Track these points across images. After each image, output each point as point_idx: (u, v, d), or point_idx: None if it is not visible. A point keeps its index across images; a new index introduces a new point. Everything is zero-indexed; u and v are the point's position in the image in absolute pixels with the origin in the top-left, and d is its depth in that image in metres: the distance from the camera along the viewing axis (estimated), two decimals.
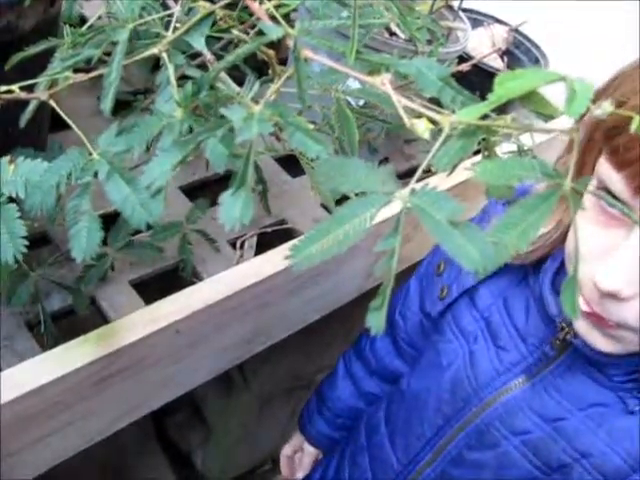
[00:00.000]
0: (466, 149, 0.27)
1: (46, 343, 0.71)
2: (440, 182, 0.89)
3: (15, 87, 0.45)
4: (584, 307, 0.58)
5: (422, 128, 0.28)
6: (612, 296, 0.54)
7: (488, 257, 0.25)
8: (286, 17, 0.44)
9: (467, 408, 0.72)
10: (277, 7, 0.37)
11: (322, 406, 0.99)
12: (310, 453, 1.03)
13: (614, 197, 0.53)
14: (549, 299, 0.67)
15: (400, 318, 0.90)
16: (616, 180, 0.53)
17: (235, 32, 0.47)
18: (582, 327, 0.61)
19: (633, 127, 0.25)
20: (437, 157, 0.27)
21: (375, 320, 0.29)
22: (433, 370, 0.77)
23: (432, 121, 0.29)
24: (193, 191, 0.94)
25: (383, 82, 0.29)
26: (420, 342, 0.87)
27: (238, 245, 0.92)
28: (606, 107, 0.26)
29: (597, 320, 0.57)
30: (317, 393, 1.02)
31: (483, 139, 0.34)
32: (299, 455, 1.05)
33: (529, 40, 1.35)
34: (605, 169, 0.54)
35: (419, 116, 0.29)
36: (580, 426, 0.64)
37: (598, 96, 0.56)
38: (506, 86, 0.26)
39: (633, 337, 0.57)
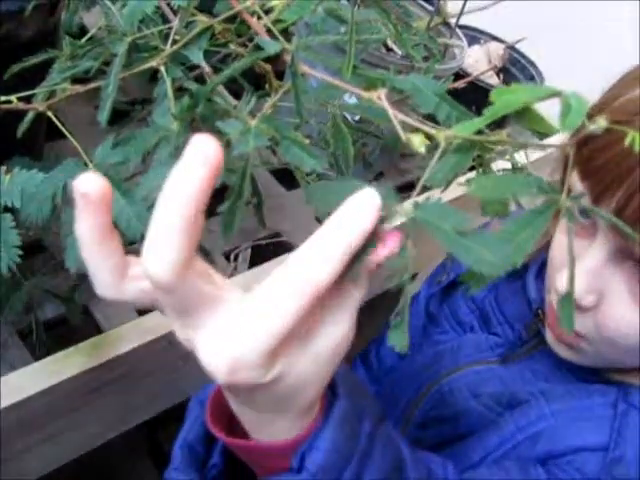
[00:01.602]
0: (461, 164, 0.28)
1: (38, 352, 0.71)
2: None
3: (13, 97, 0.45)
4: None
5: (418, 142, 0.28)
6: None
7: (504, 258, 0.25)
8: (285, 32, 0.44)
9: (439, 373, 0.73)
10: (275, 22, 0.37)
11: None
12: None
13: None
14: (531, 284, 0.71)
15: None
16: (580, 189, 0.54)
17: (232, 46, 0.47)
18: (549, 337, 0.63)
19: (627, 141, 0.26)
20: (432, 173, 0.27)
21: (397, 338, 0.29)
22: (423, 351, 0.79)
23: (428, 136, 0.29)
24: None
25: (379, 97, 0.29)
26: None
27: (232, 257, 0.92)
28: (600, 122, 0.26)
29: (559, 330, 0.60)
30: None
31: (478, 156, 0.35)
32: None
33: (525, 58, 1.36)
34: (572, 178, 0.55)
35: (415, 131, 0.29)
36: (544, 390, 0.67)
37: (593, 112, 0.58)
38: (502, 101, 0.26)
39: (593, 351, 0.58)
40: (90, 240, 0.34)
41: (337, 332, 0.36)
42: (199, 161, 0.30)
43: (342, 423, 0.41)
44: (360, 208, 0.30)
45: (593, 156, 0.52)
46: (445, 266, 0.87)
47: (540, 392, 0.66)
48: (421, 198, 0.29)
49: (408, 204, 0.28)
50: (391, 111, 0.29)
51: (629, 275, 0.55)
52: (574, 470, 0.59)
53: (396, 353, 0.93)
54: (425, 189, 0.29)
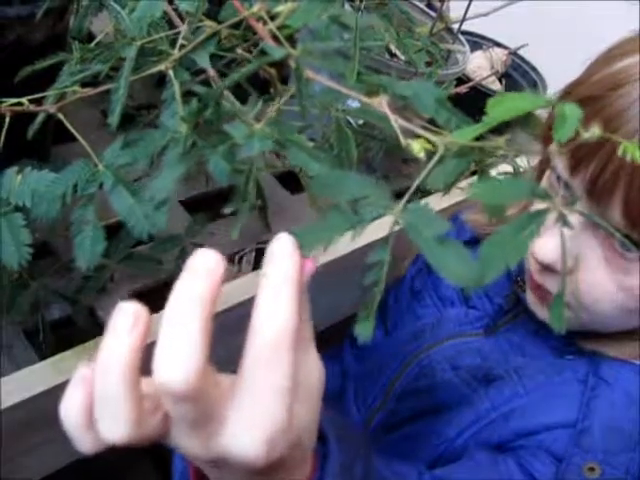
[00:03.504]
0: (460, 169, 0.28)
1: (44, 352, 0.71)
2: (437, 202, 0.90)
3: (25, 100, 0.46)
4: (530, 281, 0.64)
5: (417, 148, 0.29)
6: (550, 269, 0.58)
7: (471, 273, 0.26)
8: (290, 38, 0.45)
9: (420, 347, 0.75)
10: (280, 28, 0.38)
11: None
12: None
13: (558, 177, 0.58)
14: None
15: (393, 302, 0.92)
16: (558, 162, 0.57)
17: (239, 51, 0.48)
18: (530, 298, 0.66)
19: (620, 151, 0.26)
20: (433, 176, 0.28)
21: (363, 329, 0.30)
22: (405, 331, 0.81)
23: (429, 141, 0.30)
24: (193, 205, 0.95)
25: (381, 103, 0.30)
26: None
27: (236, 260, 0.92)
28: (594, 131, 0.27)
29: (539, 292, 0.61)
30: None
31: (480, 161, 0.35)
32: None
33: (527, 63, 1.37)
34: (550, 154, 0.58)
35: (417, 136, 0.30)
36: (518, 367, 0.69)
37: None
38: (499, 109, 0.27)
39: (572, 316, 0.60)
40: (131, 365, 0.32)
41: (313, 366, 0.38)
42: (207, 267, 0.32)
43: (338, 474, 0.42)
44: (285, 254, 0.33)
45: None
46: None
47: (514, 370, 0.67)
48: (411, 203, 0.30)
49: (400, 206, 0.29)
50: (392, 117, 0.29)
51: (603, 241, 0.57)
52: (545, 453, 0.61)
53: (381, 331, 0.95)
54: (427, 193, 0.30)
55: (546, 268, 0.59)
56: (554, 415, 0.63)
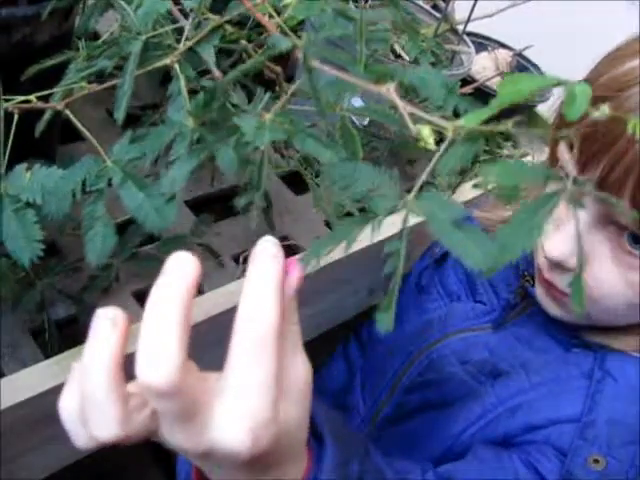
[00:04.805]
0: (470, 154, 0.28)
1: (49, 351, 0.71)
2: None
3: (32, 97, 0.46)
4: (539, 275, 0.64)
5: (427, 134, 0.29)
6: (560, 266, 0.58)
7: (490, 257, 0.26)
8: (295, 31, 0.45)
9: (428, 341, 0.75)
10: (285, 21, 0.38)
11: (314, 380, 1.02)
12: None
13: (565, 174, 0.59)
14: None
15: (400, 295, 0.92)
16: (567, 159, 0.57)
17: (243, 42, 0.48)
18: (539, 292, 0.66)
19: (629, 128, 0.26)
20: (443, 161, 0.28)
21: (384, 319, 0.30)
22: (411, 320, 0.81)
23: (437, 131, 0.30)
24: (198, 205, 0.95)
25: (389, 90, 0.30)
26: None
27: (241, 260, 0.92)
28: (604, 110, 0.27)
29: (549, 287, 0.62)
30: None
31: (487, 151, 0.35)
32: None
33: (532, 64, 1.37)
34: (560, 150, 0.58)
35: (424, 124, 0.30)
36: (525, 361, 0.69)
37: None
38: (508, 90, 0.27)
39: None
40: (113, 366, 0.34)
41: (301, 367, 0.39)
42: (183, 269, 0.34)
43: (333, 471, 0.42)
44: (268, 255, 0.36)
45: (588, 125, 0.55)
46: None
47: (521, 364, 0.68)
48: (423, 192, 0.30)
49: (410, 196, 0.29)
50: (400, 103, 0.29)
51: (612, 238, 0.58)
52: (551, 448, 0.61)
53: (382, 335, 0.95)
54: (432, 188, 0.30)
55: (556, 265, 0.59)
56: (560, 410, 0.63)
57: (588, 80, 0.60)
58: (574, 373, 0.65)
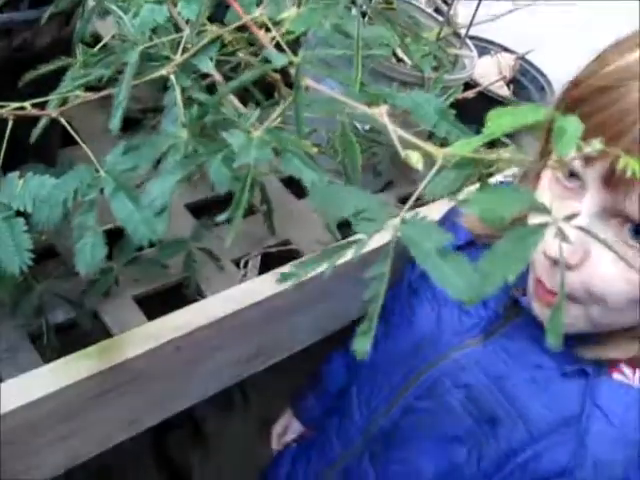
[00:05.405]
0: (461, 180, 0.28)
1: (48, 355, 0.71)
2: (443, 207, 0.89)
3: (27, 104, 0.46)
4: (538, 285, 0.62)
5: (415, 159, 0.29)
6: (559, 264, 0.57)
7: (473, 287, 0.26)
8: (296, 42, 0.45)
9: (424, 362, 0.75)
10: (284, 35, 0.38)
11: (314, 380, 1.04)
12: (295, 429, 1.05)
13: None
14: None
15: (392, 301, 0.92)
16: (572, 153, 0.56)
17: (242, 54, 0.48)
18: (536, 308, 0.64)
19: (620, 165, 0.26)
20: (431, 186, 0.28)
21: (360, 344, 0.30)
22: (403, 330, 0.80)
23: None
24: (199, 209, 0.95)
25: (381, 113, 0.30)
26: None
27: (242, 264, 0.92)
28: (595, 145, 0.26)
29: (549, 297, 0.60)
30: (314, 373, 1.06)
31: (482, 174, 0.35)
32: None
33: (535, 68, 1.36)
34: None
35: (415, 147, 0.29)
36: (519, 385, 0.67)
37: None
38: (498, 122, 0.27)
39: (583, 314, 0.59)
40: None
41: None
42: None
43: None
44: None
45: (593, 114, 0.54)
46: None
47: (519, 415, 0.66)
48: (410, 214, 0.29)
49: (398, 220, 0.29)
50: (391, 128, 0.29)
51: (615, 232, 0.56)
52: None
53: (381, 327, 0.94)
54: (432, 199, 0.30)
55: (555, 263, 0.58)
56: (557, 462, 0.63)
57: (593, 70, 0.59)
58: (567, 415, 0.64)
